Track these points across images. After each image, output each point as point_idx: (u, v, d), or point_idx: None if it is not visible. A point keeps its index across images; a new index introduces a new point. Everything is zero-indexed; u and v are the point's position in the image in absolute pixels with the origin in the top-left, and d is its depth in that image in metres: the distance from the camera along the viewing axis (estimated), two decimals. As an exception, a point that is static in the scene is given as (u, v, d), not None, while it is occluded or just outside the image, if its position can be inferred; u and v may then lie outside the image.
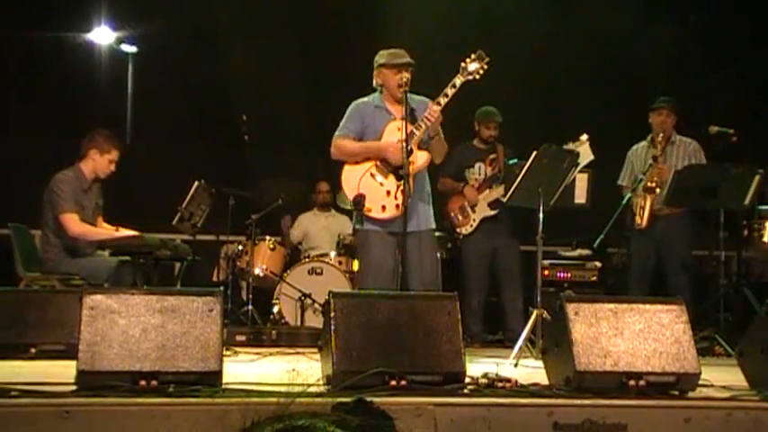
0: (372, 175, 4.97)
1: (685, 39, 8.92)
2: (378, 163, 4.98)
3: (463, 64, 4.93)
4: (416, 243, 4.93)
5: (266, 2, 8.78)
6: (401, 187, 4.79)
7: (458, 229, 6.68)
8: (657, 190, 6.25)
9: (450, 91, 4.89)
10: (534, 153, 5.21)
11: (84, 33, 8.95)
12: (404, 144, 4.74)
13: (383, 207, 4.90)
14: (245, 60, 8.70)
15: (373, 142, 5.02)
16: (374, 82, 5.18)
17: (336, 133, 5.12)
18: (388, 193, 4.92)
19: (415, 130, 4.87)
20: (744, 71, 8.81)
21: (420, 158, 4.97)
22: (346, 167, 5.06)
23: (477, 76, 4.92)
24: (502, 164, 6.59)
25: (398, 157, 4.80)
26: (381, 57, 5.13)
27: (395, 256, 4.94)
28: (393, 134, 4.92)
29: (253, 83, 8.66)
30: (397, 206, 4.83)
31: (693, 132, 6.59)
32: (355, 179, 4.96)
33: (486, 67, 4.91)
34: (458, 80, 4.90)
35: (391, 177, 4.93)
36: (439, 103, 4.88)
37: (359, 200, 4.88)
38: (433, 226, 5.21)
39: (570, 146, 5.25)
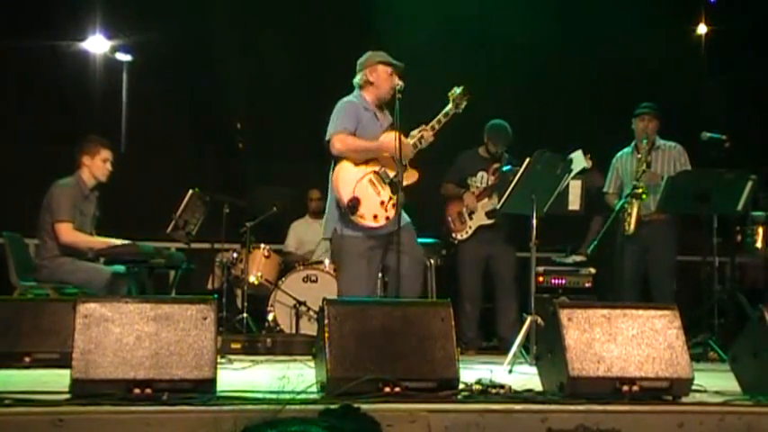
0: (371, 181, 4.92)
1: (680, 46, 8.98)
2: (376, 171, 4.93)
3: (451, 94, 5.02)
4: (402, 238, 4.83)
5: (260, 11, 8.79)
6: (393, 201, 4.82)
7: (453, 234, 6.69)
8: (644, 196, 6.25)
9: (442, 119, 5.01)
10: (527, 160, 5.24)
11: (78, 42, 8.94)
12: (398, 148, 4.75)
13: (375, 216, 4.85)
14: (239, 68, 8.70)
15: (379, 141, 4.93)
16: (360, 79, 5.08)
17: (336, 129, 4.93)
18: (382, 203, 4.88)
19: (418, 142, 4.96)
20: (736, 77, 8.84)
21: (413, 177, 4.99)
22: (344, 165, 4.91)
23: (460, 110, 5.03)
24: None
25: (403, 151, 4.81)
26: (378, 55, 5.08)
27: (378, 259, 4.92)
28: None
29: (247, 90, 8.66)
30: (387, 218, 4.85)
31: (682, 138, 6.61)
32: (352, 181, 4.87)
33: (465, 102, 5.02)
34: (450, 110, 5.02)
35: (387, 189, 4.90)
36: (433, 128, 4.99)
37: (353, 204, 4.82)
38: (409, 220, 5.08)
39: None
